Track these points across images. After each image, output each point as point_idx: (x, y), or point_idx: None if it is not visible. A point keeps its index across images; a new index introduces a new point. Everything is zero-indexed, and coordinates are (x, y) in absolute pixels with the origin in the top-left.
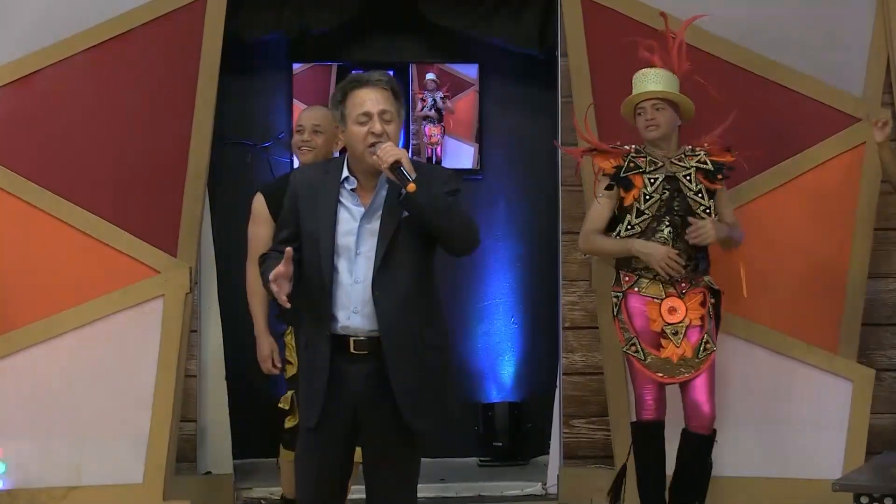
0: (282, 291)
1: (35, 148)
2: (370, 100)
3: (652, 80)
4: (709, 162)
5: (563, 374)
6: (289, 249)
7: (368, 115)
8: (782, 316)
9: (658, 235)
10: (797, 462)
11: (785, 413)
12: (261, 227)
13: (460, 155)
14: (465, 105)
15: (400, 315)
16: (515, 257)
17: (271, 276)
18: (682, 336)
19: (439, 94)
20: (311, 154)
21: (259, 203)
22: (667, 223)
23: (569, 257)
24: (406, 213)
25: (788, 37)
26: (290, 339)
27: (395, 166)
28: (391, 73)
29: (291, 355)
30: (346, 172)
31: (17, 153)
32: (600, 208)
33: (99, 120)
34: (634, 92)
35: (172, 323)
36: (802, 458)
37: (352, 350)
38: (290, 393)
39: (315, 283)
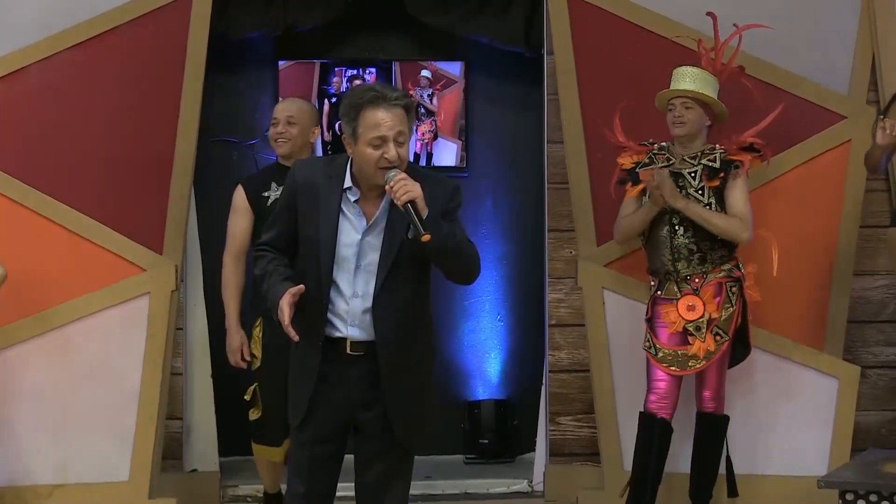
0: (290, 324)
1: (20, 145)
2: (386, 123)
3: (687, 79)
4: (718, 160)
5: (550, 371)
6: (301, 286)
7: (384, 139)
8: (768, 313)
9: (660, 233)
10: (782, 459)
11: (770, 410)
12: (239, 218)
13: (444, 152)
14: (450, 102)
15: (397, 330)
16: (501, 255)
17: (283, 311)
18: (705, 330)
19: (427, 92)
20: (288, 145)
21: (238, 195)
22: (666, 220)
23: (555, 254)
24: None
25: (774, 35)
26: (257, 332)
27: (408, 206)
28: (374, 71)
29: (256, 348)
30: (349, 181)
31: (2, 151)
32: (628, 201)
33: (84, 117)
34: (670, 88)
35: (158, 320)
36: (788, 454)
37: (348, 352)
38: (254, 385)
39: (311, 290)
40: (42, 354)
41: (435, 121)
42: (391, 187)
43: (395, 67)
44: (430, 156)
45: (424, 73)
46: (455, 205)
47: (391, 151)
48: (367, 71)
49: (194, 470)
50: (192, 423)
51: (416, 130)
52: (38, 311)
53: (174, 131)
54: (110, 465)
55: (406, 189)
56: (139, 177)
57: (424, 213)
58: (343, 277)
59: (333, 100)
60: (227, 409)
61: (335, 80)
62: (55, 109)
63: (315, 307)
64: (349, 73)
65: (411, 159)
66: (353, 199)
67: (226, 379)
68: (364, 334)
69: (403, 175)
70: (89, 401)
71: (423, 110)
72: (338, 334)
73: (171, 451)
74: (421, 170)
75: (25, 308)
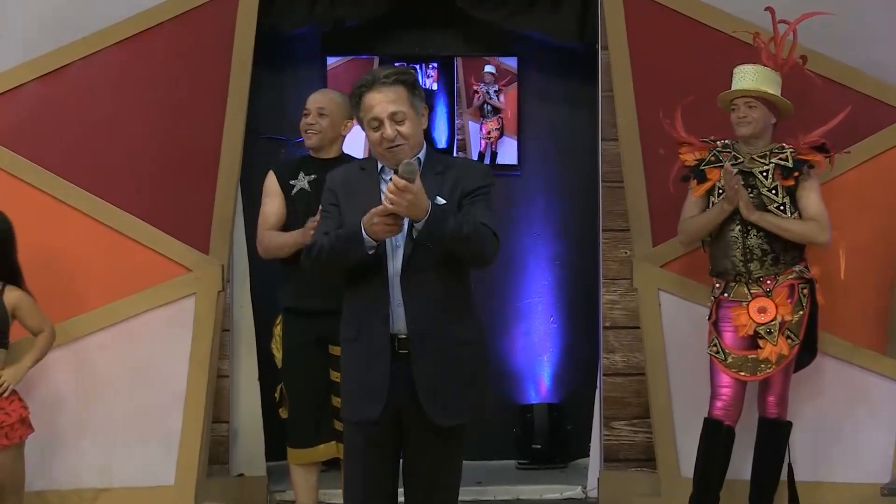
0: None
1: (65, 144)
2: (379, 104)
3: (749, 78)
4: (790, 159)
5: (604, 374)
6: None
7: (378, 120)
8: (828, 317)
9: (731, 233)
10: (844, 465)
11: (832, 415)
12: (274, 200)
13: (509, 150)
14: (512, 98)
15: (428, 311)
16: (555, 255)
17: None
18: (776, 334)
19: (493, 88)
20: (317, 137)
21: (270, 179)
22: (738, 220)
23: (609, 255)
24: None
25: (832, 28)
26: (277, 331)
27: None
28: (436, 65)
29: (277, 347)
30: (380, 165)
31: (46, 149)
32: (692, 201)
33: (130, 115)
34: (732, 87)
35: (204, 322)
36: (849, 461)
37: (397, 349)
38: (282, 384)
39: (363, 274)
40: (87, 356)
41: (501, 118)
42: (385, 191)
43: (458, 63)
44: (494, 155)
45: (488, 68)
46: (484, 185)
47: (387, 131)
48: (431, 66)
49: (241, 474)
50: (239, 426)
51: (482, 128)
52: (83, 311)
53: (220, 129)
54: (156, 468)
55: (392, 198)
56: (185, 175)
57: (400, 224)
58: (388, 259)
59: None
60: (274, 412)
61: None
62: (100, 107)
63: (371, 294)
64: (411, 67)
65: (475, 157)
66: (387, 178)
67: (273, 382)
68: (404, 312)
69: (400, 187)
70: (134, 403)
71: (488, 108)
72: (389, 327)
73: (217, 456)
74: (449, 157)
75: (70, 309)
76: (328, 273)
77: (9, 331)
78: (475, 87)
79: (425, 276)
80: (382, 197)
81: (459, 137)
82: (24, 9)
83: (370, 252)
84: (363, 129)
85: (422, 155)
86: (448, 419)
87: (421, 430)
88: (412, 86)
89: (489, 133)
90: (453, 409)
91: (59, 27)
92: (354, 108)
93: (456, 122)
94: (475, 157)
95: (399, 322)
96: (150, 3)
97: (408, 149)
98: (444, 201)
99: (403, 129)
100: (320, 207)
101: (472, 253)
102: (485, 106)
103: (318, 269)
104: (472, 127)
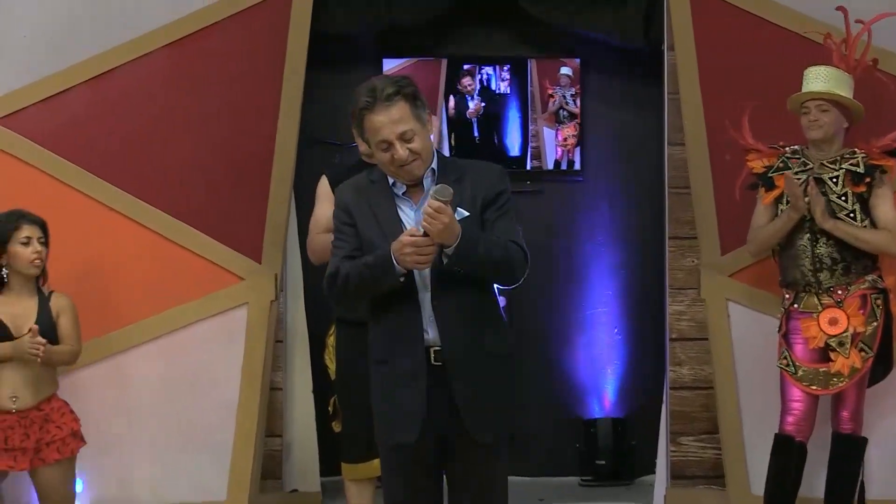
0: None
1: (113, 148)
2: (386, 126)
3: (821, 80)
4: (861, 164)
5: (670, 388)
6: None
7: (388, 143)
8: None
9: (800, 242)
10: None
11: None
12: (325, 205)
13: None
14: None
15: (460, 323)
16: (619, 264)
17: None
18: (849, 346)
19: (570, 92)
20: None
21: (323, 184)
22: (806, 228)
23: (676, 264)
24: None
25: None
26: (331, 341)
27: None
28: (509, 67)
29: (331, 358)
30: (391, 178)
31: (94, 153)
32: (761, 209)
33: (180, 119)
34: (803, 89)
35: (257, 332)
36: None
37: (432, 361)
38: (335, 396)
39: (391, 293)
40: (135, 368)
41: (579, 124)
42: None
43: (531, 65)
44: (570, 163)
45: (564, 70)
46: (503, 190)
47: (399, 152)
48: (504, 68)
49: (295, 490)
50: (293, 440)
51: (557, 135)
52: (132, 322)
53: (273, 133)
54: (207, 483)
55: (427, 223)
56: (236, 181)
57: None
58: (414, 273)
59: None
60: (328, 426)
61: (464, 78)
62: (149, 111)
63: (400, 312)
64: (483, 70)
65: (550, 165)
66: (400, 192)
67: (327, 395)
68: (436, 328)
69: (435, 208)
70: (185, 417)
71: (565, 113)
72: (423, 341)
73: (270, 471)
74: (459, 160)
75: (118, 319)
76: (356, 301)
77: (57, 336)
78: (550, 91)
79: (454, 288)
80: (401, 213)
81: (534, 145)
82: (71, 11)
83: (401, 280)
84: (369, 146)
85: (434, 165)
86: (486, 433)
87: (460, 443)
88: (413, 97)
89: (566, 140)
90: (491, 422)
91: (110, 28)
92: (357, 128)
93: (529, 128)
94: (550, 166)
95: (432, 334)
96: (199, 4)
97: (420, 163)
98: (466, 213)
99: (414, 145)
100: (333, 227)
101: (502, 277)
102: (560, 111)
103: (345, 298)
104: (547, 133)
